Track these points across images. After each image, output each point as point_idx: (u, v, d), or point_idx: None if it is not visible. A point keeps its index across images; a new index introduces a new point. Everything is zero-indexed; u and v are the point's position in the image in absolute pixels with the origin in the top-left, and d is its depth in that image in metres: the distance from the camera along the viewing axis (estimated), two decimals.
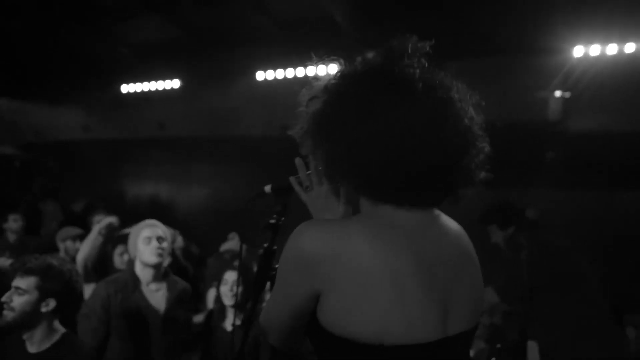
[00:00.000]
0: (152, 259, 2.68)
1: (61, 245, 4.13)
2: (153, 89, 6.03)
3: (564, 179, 5.10)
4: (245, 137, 6.35)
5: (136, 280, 2.70)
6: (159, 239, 2.73)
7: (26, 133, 7.87)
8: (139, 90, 6.16)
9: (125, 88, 6.23)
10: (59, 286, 2.11)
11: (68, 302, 2.18)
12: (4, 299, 2.04)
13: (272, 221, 1.34)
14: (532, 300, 2.68)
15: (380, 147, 0.96)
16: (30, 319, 2.05)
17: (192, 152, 7.85)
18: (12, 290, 2.06)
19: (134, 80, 6.14)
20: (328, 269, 0.95)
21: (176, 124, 6.52)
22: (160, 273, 2.77)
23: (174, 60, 5.76)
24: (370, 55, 1.07)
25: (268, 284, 1.37)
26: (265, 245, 1.34)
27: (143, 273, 2.71)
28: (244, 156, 7.73)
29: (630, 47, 4.51)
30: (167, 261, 2.99)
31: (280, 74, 5.44)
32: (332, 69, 5.09)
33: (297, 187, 1.23)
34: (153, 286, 2.73)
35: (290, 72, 5.38)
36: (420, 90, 0.98)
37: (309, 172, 1.21)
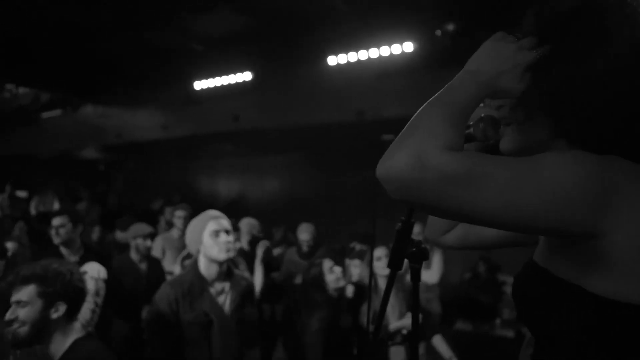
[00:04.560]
0: (222, 255, 2.53)
1: (132, 243, 4.12)
2: (225, 83, 6.06)
3: None
4: (319, 125, 6.24)
5: (203, 281, 2.55)
6: (227, 232, 2.57)
7: (109, 135, 8.22)
8: (211, 86, 6.22)
9: (198, 84, 6.31)
10: (63, 288, 1.93)
11: (78, 302, 2.02)
12: (8, 316, 1.86)
13: None
14: None
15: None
16: (43, 328, 1.88)
17: (265, 143, 7.87)
18: (13, 306, 1.87)
19: (206, 76, 6.21)
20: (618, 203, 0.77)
21: (249, 116, 6.55)
22: (224, 270, 2.62)
23: (245, 52, 5.73)
24: None
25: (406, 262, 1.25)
26: (403, 218, 1.22)
27: (208, 272, 2.56)
28: (318, 144, 7.66)
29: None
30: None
31: (352, 56, 5.25)
32: (408, 47, 4.76)
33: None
34: (218, 286, 2.60)
35: (362, 54, 5.18)
36: None
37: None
